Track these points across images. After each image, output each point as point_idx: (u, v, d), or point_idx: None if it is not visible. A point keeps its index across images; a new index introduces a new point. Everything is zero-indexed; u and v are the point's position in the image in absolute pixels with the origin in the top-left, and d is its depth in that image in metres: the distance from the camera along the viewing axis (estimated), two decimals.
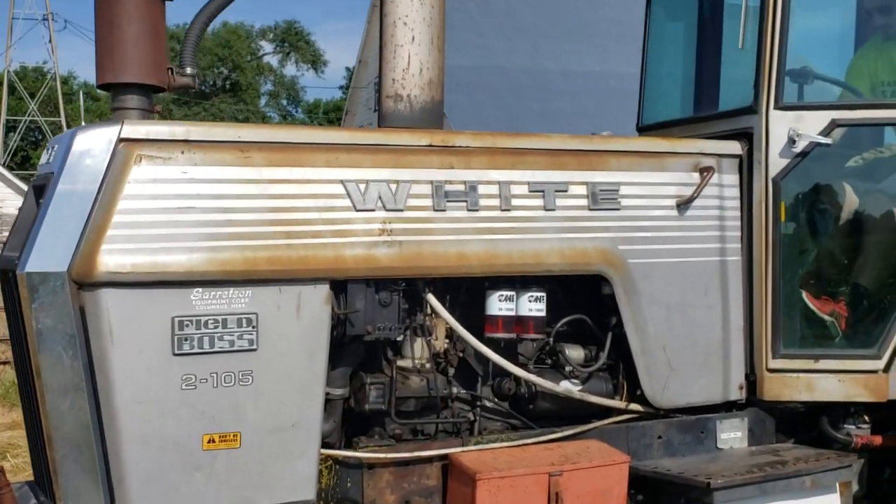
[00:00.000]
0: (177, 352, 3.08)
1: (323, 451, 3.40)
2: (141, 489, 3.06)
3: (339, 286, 3.41)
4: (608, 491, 3.62)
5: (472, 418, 3.84)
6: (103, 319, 3.00)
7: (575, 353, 3.95)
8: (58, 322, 2.96)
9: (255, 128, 3.47)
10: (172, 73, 3.44)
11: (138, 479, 3.05)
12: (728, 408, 4.19)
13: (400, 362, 3.70)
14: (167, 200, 3.10)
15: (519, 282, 3.73)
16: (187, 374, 3.10)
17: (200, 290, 3.12)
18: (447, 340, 3.81)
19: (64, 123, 47.94)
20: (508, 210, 3.63)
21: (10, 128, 52.10)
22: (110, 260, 2.99)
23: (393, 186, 3.44)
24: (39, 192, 3.24)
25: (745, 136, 4.19)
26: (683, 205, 3.98)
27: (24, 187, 29.01)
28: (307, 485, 3.31)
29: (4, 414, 9.59)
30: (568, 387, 3.87)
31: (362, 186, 3.39)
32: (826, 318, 4.25)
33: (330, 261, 3.31)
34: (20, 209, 3.41)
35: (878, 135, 4.68)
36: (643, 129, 5.00)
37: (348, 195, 3.37)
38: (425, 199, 3.50)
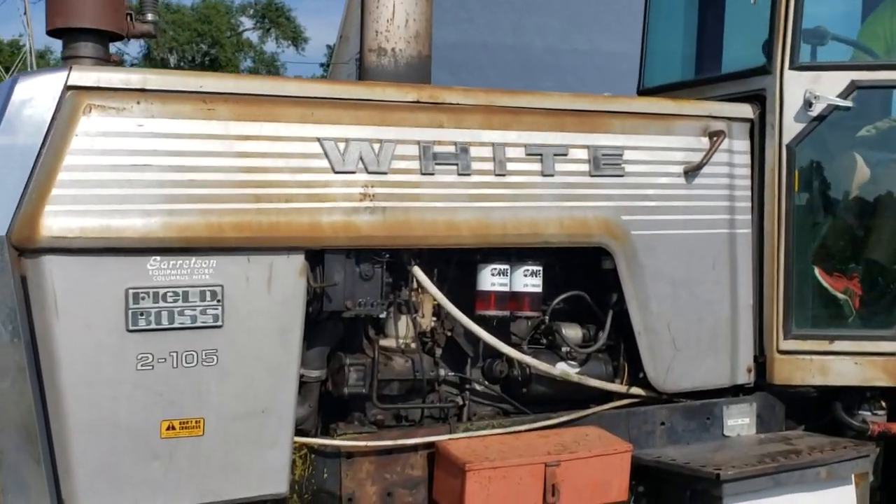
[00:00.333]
0: (131, 328, 2.93)
1: (297, 438, 3.29)
2: (90, 481, 2.91)
3: (316, 257, 3.29)
4: (608, 482, 3.56)
5: (461, 403, 3.76)
6: (47, 290, 2.84)
7: (572, 332, 3.87)
8: None
9: (220, 77, 3.33)
10: (132, 18, 3.26)
11: (88, 470, 2.91)
12: (735, 392, 4.11)
13: (382, 342, 3.61)
14: (120, 156, 2.93)
15: (514, 254, 3.64)
16: (143, 353, 2.95)
17: (158, 258, 2.97)
18: (434, 318, 3.71)
19: None
20: (503, 175, 3.53)
21: None
22: (55, 223, 2.83)
23: (376, 146, 3.32)
24: None
25: (757, 99, 4.10)
26: (691, 172, 3.90)
27: None
28: (279, 476, 3.19)
29: None
30: (565, 369, 3.78)
31: (341, 145, 3.26)
32: (840, 295, 4.17)
33: (305, 228, 3.18)
34: None
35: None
36: (644, 93, 4.91)
37: (326, 155, 3.23)
38: (411, 162, 3.38)
